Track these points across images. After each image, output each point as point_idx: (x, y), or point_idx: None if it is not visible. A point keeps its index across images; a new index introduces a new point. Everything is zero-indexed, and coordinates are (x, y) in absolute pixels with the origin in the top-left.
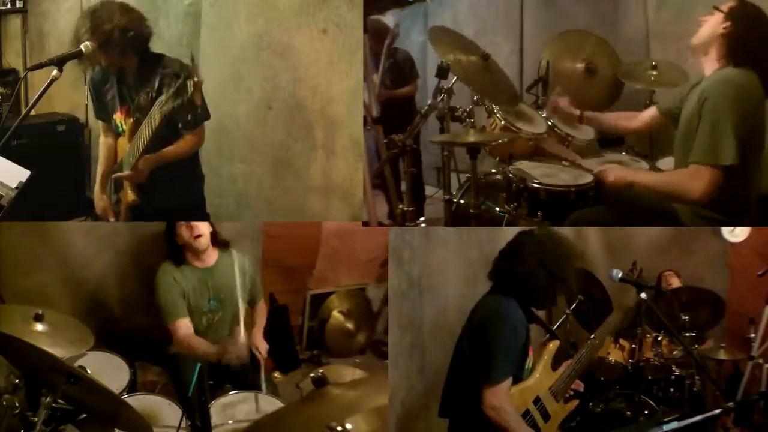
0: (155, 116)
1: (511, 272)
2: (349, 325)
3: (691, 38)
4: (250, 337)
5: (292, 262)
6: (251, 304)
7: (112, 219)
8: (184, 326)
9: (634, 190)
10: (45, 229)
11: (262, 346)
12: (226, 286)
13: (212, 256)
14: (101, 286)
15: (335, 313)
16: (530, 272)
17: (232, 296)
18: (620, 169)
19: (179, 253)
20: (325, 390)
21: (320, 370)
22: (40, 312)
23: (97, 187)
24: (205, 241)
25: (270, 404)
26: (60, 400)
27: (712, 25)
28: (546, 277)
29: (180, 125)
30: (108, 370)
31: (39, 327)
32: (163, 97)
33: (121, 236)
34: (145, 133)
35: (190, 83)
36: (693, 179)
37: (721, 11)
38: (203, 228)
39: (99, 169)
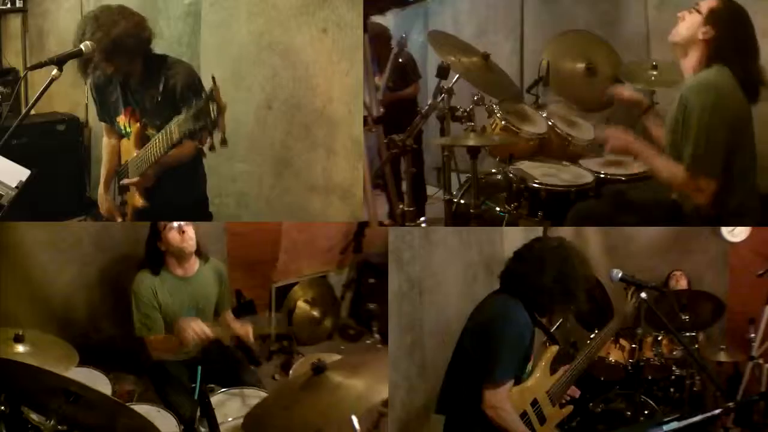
0: (173, 133)
1: (520, 275)
2: (315, 313)
3: None
4: (230, 330)
5: (255, 257)
6: (223, 309)
7: (119, 219)
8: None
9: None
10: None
11: (247, 329)
12: (204, 296)
13: (193, 265)
14: (68, 300)
15: (300, 303)
16: (539, 278)
17: (209, 305)
18: (624, 135)
19: (159, 259)
20: (323, 377)
21: (318, 357)
22: (20, 333)
23: (101, 188)
24: (192, 243)
25: (258, 398)
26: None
27: (691, 26)
28: (553, 286)
29: (198, 142)
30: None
31: (20, 348)
32: (182, 117)
33: (86, 248)
34: (160, 146)
35: (213, 106)
36: (695, 186)
37: (699, 12)
38: (191, 231)
39: (102, 170)
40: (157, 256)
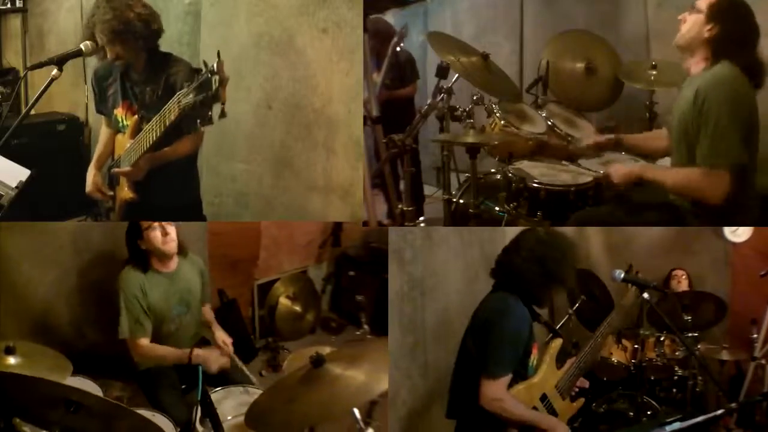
0: (172, 111)
1: (508, 267)
2: (297, 308)
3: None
4: (213, 335)
5: (236, 256)
6: (202, 302)
7: (99, 196)
8: (143, 342)
9: (643, 186)
10: None
11: (228, 340)
12: (189, 290)
13: (174, 260)
14: (49, 307)
15: (282, 299)
16: (526, 267)
17: (194, 299)
18: (624, 167)
19: (144, 258)
20: (323, 369)
21: (315, 351)
22: (11, 344)
23: (91, 165)
24: (175, 245)
25: (251, 395)
26: None
27: (694, 26)
28: (541, 273)
29: (198, 121)
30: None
31: (12, 360)
32: (183, 91)
33: (66, 253)
34: (155, 129)
35: (215, 79)
36: (711, 182)
37: (699, 11)
38: (173, 232)
39: (96, 152)
40: (141, 255)
